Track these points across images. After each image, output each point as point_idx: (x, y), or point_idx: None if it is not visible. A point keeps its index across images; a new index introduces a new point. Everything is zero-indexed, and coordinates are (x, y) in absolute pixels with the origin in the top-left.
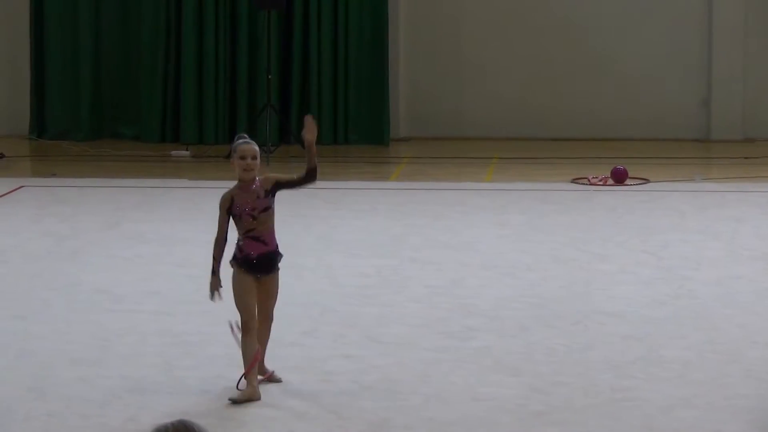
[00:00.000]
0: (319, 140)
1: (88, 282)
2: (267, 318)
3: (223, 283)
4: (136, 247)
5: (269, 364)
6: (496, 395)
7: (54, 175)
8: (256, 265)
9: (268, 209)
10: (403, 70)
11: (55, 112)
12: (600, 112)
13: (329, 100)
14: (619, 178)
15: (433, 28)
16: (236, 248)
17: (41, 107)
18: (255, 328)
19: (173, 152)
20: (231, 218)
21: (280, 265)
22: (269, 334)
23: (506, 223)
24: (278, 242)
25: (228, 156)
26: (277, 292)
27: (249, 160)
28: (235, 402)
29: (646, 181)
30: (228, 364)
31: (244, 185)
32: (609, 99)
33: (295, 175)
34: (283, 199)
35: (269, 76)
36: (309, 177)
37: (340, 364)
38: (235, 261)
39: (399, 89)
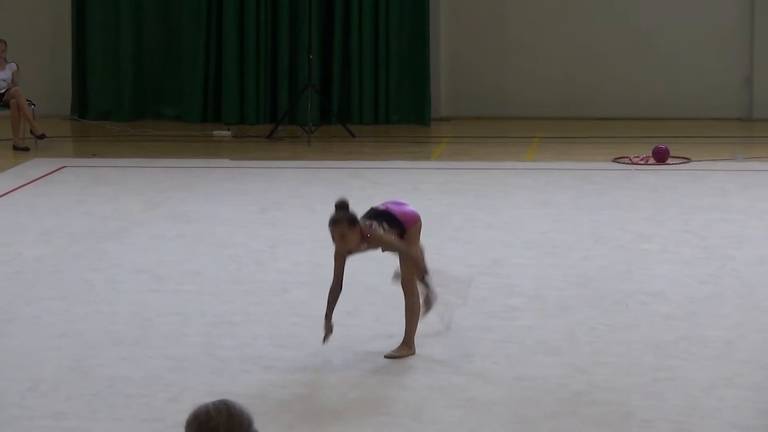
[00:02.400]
0: (361, 120)
1: (131, 262)
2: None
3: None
4: (178, 227)
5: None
6: (537, 375)
7: (95, 155)
8: None
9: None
10: (444, 49)
11: (96, 93)
12: (641, 91)
13: (370, 79)
14: (661, 157)
15: (474, 8)
16: None
17: (83, 88)
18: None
19: (215, 132)
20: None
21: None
22: (408, 313)
23: (548, 203)
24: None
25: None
26: (389, 246)
27: (338, 240)
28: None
29: (688, 160)
30: (270, 344)
31: None
32: (650, 78)
33: (398, 249)
34: (326, 179)
35: (310, 56)
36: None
37: (383, 343)
38: None
39: (440, 69)
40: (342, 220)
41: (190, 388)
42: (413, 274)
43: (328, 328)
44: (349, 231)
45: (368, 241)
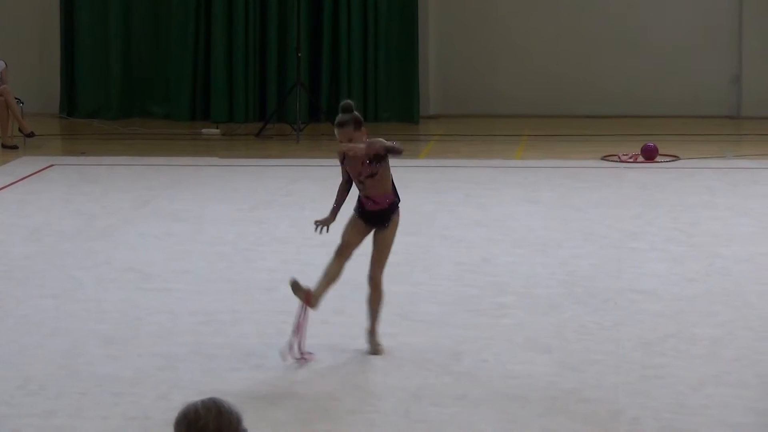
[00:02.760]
0: None
1: (120, 261)
2: (374, 284)
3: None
4: (167, 226)
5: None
6: (527, 373)
7: (84, 153)
8: (367, 216)
9: (374, 175)
10: (433, 47)
11: (85, 91)
12: (631, 89)
13: (359, 77)
14: (650, 155)
15: (463, 5)
16: (357, 198)
17: (71, 86)
18: (344, 256)
19: (203, 130)
20: None
21: (395, 217)
22: (378, 306)
23: (537, 201)
24: (395, 196)
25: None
26: (386, 247)
27: (344, 143)
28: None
29: (677, 158)
30: (259, 342)
31: None
32: (640, 76)
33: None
34: (315, 177)
35: (299, 54)
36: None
37: None
38: (354, 208)
39: (429, 67)
40: (349, 123)
41: (179, 386)
42: (382, 273)
43: (329, 217)
44: (356, 135)
45: (367, 145)
